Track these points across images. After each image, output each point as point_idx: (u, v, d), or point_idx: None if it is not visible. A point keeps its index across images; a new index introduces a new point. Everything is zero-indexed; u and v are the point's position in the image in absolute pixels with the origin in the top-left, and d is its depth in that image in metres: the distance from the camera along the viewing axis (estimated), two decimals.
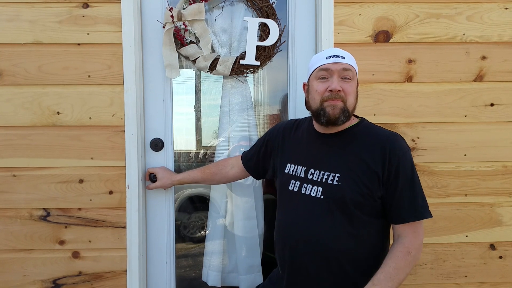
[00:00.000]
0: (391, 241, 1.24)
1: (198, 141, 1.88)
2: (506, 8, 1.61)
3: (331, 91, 1.18)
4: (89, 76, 1.57)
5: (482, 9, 1.61)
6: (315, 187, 1.20)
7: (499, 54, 1.61)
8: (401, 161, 1.15)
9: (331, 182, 1.18)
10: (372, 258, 1.14)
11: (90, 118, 1.57)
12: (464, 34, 1.61)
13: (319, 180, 1.21)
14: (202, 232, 2.00)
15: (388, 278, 1.10)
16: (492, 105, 1.62)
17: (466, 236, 1.64)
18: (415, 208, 1.15)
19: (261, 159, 1.47)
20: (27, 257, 1.59)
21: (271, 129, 1.50)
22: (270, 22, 1.61)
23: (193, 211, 2.03)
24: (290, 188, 1.26)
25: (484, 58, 1.62)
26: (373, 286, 1.09)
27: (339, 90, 1.18)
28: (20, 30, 1.55)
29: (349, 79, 1.20)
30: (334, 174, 1.18)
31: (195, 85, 1.85)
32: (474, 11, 1.61)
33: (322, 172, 1.21)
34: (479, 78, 1.62)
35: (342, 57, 1.20)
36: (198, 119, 1.86)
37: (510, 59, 1.62)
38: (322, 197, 1.18)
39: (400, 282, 1.12)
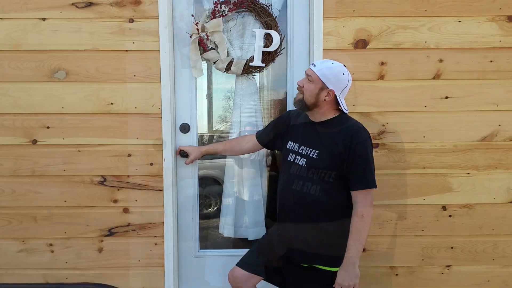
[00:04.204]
0: None
1: (214, 125, 2.34)
2: (459, 21, 2.00)
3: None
4: (134, 75, 2.01)
5: (440, 22, 1.99)
6: (302, 159, 1.68)
7: (453, 57, 2.00)
8: (358, 145, 1.58)
9: (312, 156, 1.65)
10: (337, 207, 1.62)
11: (135, 107, 2.02)
12: (426, 42, 2.00)
13: (304, 153, 1.68)
14: (210, 209, 2.35)
15: (355, 240, 1.55)
16: (446, 98, 2.02)
17: (424, 199, 2.07)
18: (365, 179, 1.57)
19: (272, 137, 1.92)
20: (89, 212, 2.05)
21: (281, 115, 1.95)
22: (273, 33, 2.04)
23: (201, 191, 2.27)
24: (288, 159, 1.74)
25: (441, 60, 2.01)
26: (348, 253, 1.54)
27: (299, 86, 1.67)
28: (82, 39, 1.97)
29: (309, 81, 1.65)
30: (314, 151, 1.65)
31: (210, 80, 2.29)
32: (434, 23, 2.00)
33: (307, 149, 1.68)
34: (437, 76, 2.02)
35: (314, 65, 1.65)
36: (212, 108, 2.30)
37: (461, 62, 2.01)
38: (305, 165, 1.66)
39: (364, 239, 1.56)
